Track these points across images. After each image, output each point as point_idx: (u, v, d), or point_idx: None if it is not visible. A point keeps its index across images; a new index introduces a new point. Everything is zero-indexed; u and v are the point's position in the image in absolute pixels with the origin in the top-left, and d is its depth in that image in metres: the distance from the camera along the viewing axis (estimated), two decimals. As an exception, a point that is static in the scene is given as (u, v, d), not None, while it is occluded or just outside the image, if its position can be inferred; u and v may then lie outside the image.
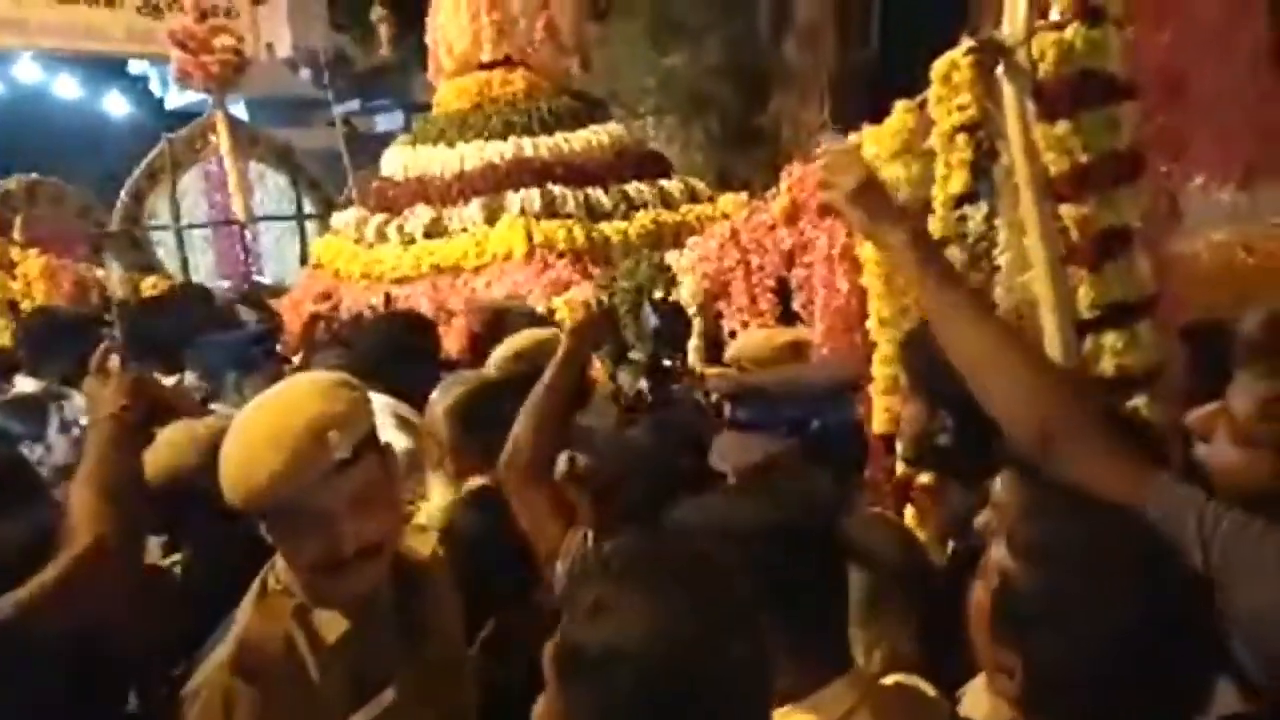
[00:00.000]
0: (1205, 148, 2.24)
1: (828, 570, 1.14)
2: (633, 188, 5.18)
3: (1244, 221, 2.46)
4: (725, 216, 5.25)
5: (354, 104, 14.40)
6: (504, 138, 5.24)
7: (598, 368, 3.49)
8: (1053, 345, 1.91)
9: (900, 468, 2.06)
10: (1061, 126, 1.84)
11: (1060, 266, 1.91)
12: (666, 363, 3.05)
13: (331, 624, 1.24)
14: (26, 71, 14.55)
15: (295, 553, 1.22)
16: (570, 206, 4.84)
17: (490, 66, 5.41)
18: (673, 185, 5.39)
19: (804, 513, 1.15)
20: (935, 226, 2.12)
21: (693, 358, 3.18)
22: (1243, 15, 2.30)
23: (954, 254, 2.08)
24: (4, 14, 9.25)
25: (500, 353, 2.64)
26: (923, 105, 2.17)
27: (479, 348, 3.64)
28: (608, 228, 4.86)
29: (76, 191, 7.80)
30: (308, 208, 8.65)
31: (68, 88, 16.27)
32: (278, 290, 6.32)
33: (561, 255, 4.58)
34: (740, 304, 2.84)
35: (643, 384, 3.06)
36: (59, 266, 5.33)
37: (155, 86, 13.81)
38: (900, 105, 2.21)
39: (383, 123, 15.06)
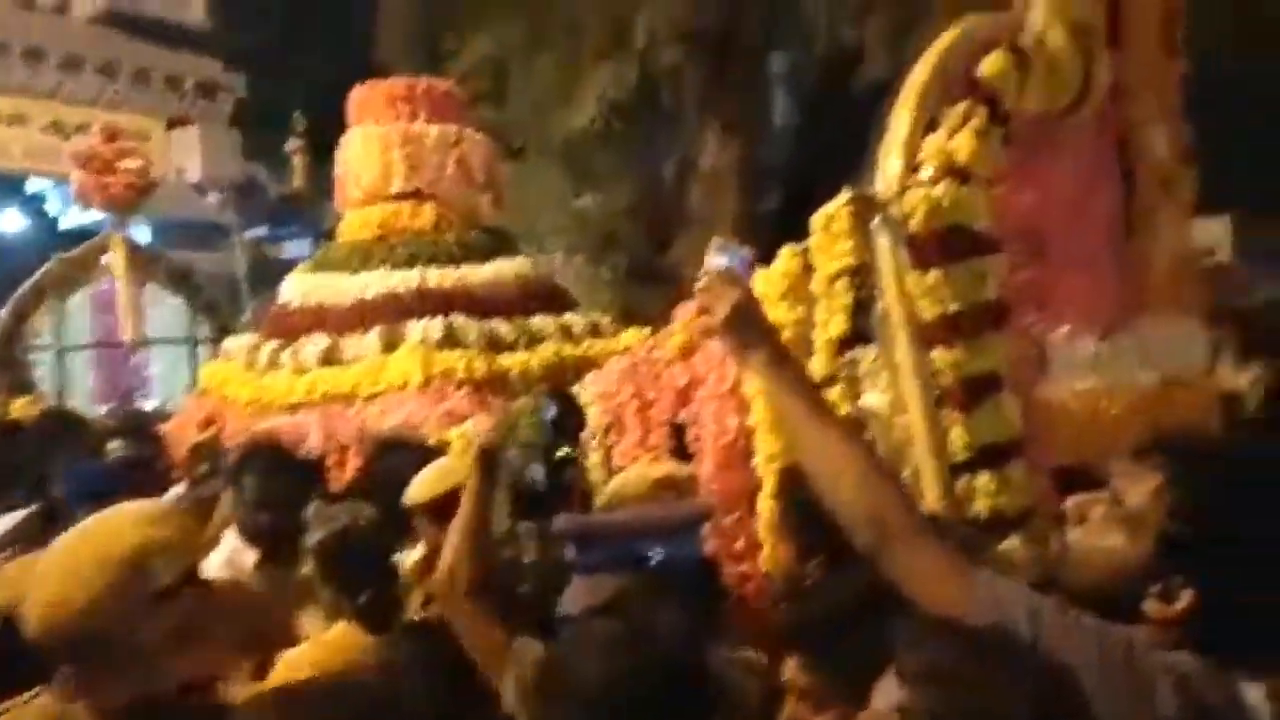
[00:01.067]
0: (1068, 301, 2.38)
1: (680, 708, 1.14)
2: (536, 321, 5.21)
3: (1107, 370, 2.59)
4: (627, 351, 5.32)
5: (262, 230, 14.36)
6: (409, 268, 5.24)
7: None
8: (929, 486, 1.95)
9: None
10: (932, 276, 1.94)
11: (934, 409, 1.97)
12: (563, 453, 3.01)
13: None
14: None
15: (106, 692, 1.13)
16: (471, 337, 4.83)
17: (399, 198, 5.46)
18: (575, 319, 5.43)
19: (644, 650, 1.16)
20: (818, 367, 2.18)
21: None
22: (1099, 182, 2.49)
23: (837, 394, 2.13)
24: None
25: (422, 480, 2.58)
26: (807, 251, 2.26)
27: (366, 479, 3.53)
28: (508, 360, 4.84)
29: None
30: (205, 333, 8.44)
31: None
32: (161, 416, 6.08)
33: (460, 386, 4.53)
34: (633, 439, 2.84)
35: (539, 474, 3.03)
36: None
37: (52, 205, 13.56)
38: (785, 250, 2.30)
39: (290, 250, 15.03)
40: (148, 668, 1.12)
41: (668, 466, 2.43)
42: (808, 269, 2.23)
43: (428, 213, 5.44)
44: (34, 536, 2.35)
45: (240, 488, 2.92)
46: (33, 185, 13.51)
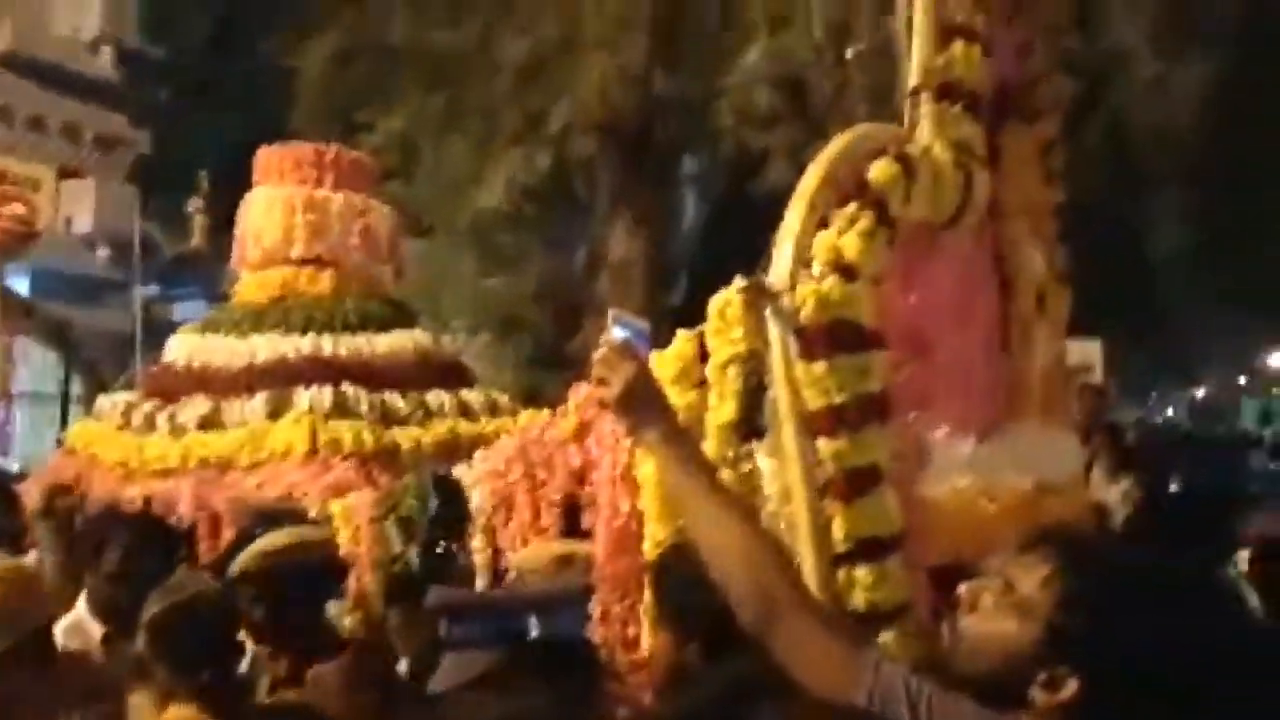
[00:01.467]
0: (948, 402, 2.46)
1: None
2: (433, 395, 5.12)
3: (984, 471, 2.67)
4: (519, 431, 5.26)
5: (154, 289, 13.87)
6: (302, 333, 5.12)
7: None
8: (810, 576, 1.96)
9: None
10: (819, 367, 1.98)
11: (818, 499, 1.99)
12: (441, 547, 2.92)
13: None
14: None
15: None
16: (363, 408, 4.71)
17: (300, 263, 5.36)
18: (473, 396, 5.37)
19: None
20: (710, 452, 2.19)
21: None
22: (978, 290, 2.61)
23: (728, 480, 2.14)
24: None
25: (254, 549, 2.46)
26: (702, 336, 2.29)
27: (232, 553, 3.37)
28: (400, 434, 4.73)
29: None
30: (79, 391, 8.03)
31: None
32: (21, 476, 5.72)
33: (347, 458, 4.40)
34: (523, 518, 2.78)
35: (414, 558, 2.92)
36: None
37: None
38: (680, 334, 2.33)
39: (182, 311, 14.53)
40: None
41: (569, 544, 2.40)
42: (702, 355, 2.26)
43: (327, 279, 5.35)
44: None
45: (98, 559, 2.75)
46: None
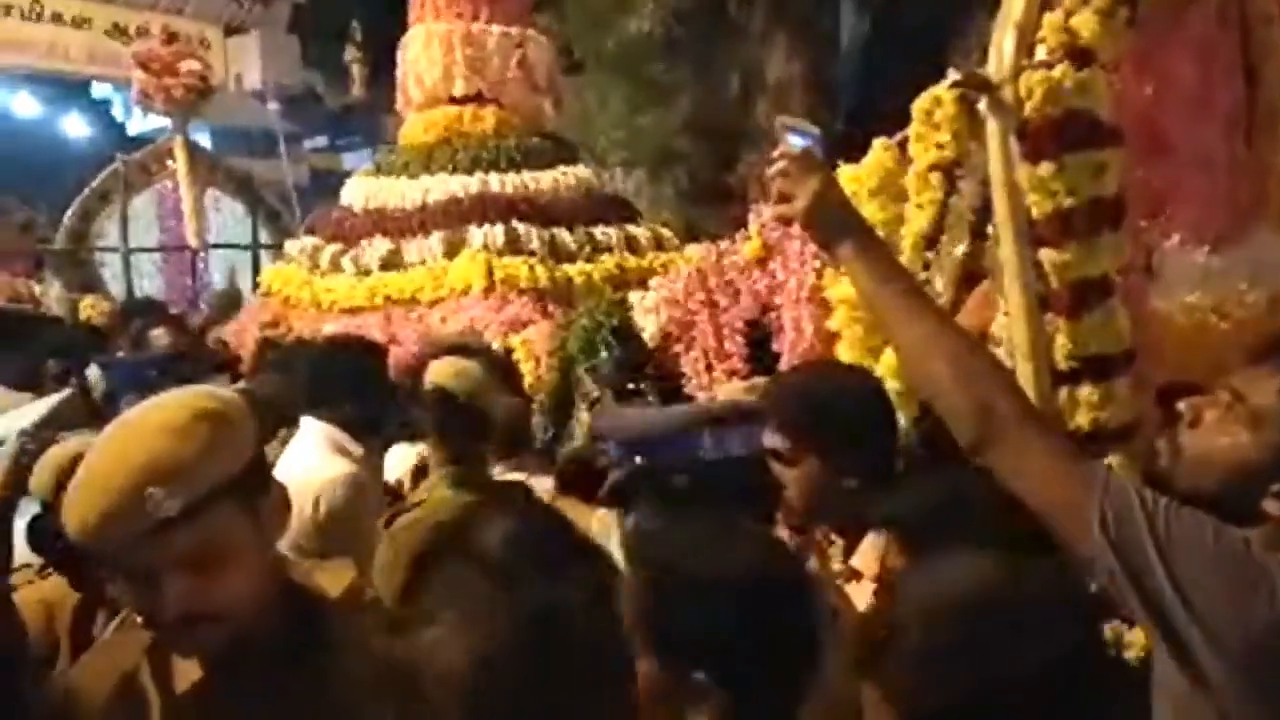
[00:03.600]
0: (1183, 207, 2.21)
1: None
2: (599, 230, 5.11)
3: (1216, 285, 2.43)
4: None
5: (322, 140, 14.33)
6: (470, 173, 5.15)
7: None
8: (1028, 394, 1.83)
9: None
10: (1045, 168, 1.78)
11: (1038, 314, 1.84)
12: (631, 387, 2.94)
13: (187, 670, 1.08)
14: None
15: (123, 601, 1.06)
16: (534, 244, 4.75)
17: (461, 101, 5.34)
18: (639, 231, 5.33)
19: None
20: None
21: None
22: (1221, 78, 2.28)
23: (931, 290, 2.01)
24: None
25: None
26: (902, 145, 2.11)
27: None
28: (571, 269, 4.76)
29: (17, 207, 7.56)
30: (265, 239, 8.47)
31: (28, 107, 15.99)
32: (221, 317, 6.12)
33: (522, 293, 4.47)
34: (705, 347, 2.74)
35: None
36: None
37: (118, 111, 13.63)
38: (878, 143, 2.16)
39: (350, 161, 15.00)
40: (149, 594, 1.01)
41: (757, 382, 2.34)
42: (902, 164, 2.09)
43: (489, 117, 5.32)
44: (75, 420, 2.33)
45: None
46: (98, 91, 13.59)
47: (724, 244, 2.77)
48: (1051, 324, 1.86)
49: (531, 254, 4.72)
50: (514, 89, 5.39)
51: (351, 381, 2.53)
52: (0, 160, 11.43)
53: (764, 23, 8.82)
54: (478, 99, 5.36)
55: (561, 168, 5.31)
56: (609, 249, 5.04)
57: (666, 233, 5.54)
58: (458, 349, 3.86)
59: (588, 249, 4.96)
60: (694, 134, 9.29)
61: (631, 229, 5.30)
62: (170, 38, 8.09)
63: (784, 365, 2.35)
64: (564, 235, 4.90)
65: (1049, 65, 1.79)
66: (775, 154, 1.44)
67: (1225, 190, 2.34)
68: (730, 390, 2.26)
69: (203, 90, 7.94)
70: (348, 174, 13.51)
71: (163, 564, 1.01)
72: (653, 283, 3.11)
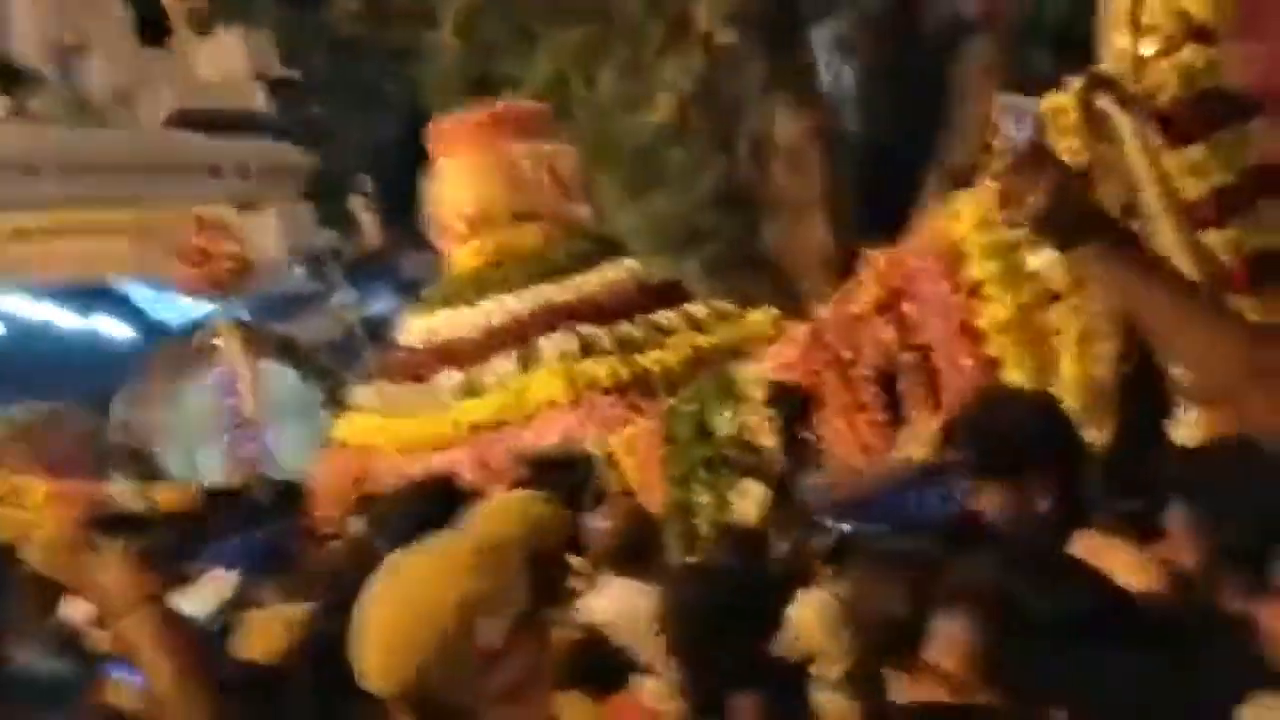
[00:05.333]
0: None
1: None
2: (660, 317, 5.11)
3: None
4: (763, 334, 5.18)
5: (351, 294, 14.62)
6: (524, 288, 5.20)
7: None
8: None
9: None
10: (1195, 151, 1.75)
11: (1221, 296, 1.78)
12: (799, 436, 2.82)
13: None
14: (15, 304, 14.72)
15: None
16: (606, 344, 4.74)
17: (505, 223, 5.42)
18: (698, 309, 5.33)
19: None
20: (1059, 281, 2.00)
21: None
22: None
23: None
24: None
25: None
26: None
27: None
28: (646, 360, 4.74)
29: (78, 414, 7.69)
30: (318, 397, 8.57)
31: (58, 315, 16.42)
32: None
33: (606, 393, 4.44)
34: (840, 402, 2.68)
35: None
36: (64, 490, 5.13)
37: (145, 303, 13.98)
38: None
39: (374, 307, 15.26)
40: None
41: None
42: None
43: (534, 231, 5.39)
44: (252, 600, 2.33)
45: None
46: (124, 288, 13.97)
47: (833, 300, 2.73)
48: (1232, 304, 1.79)
49: (606, 353, 4.71)
50: (551, 201, 5.47)
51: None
52: (43, 372, 11.68)
53: (763, 89, 8.98)
54: (519, 217, 5.45)
55: (609, 264, 5.35)
56: (676, 332, 5.04)
57: (725, 304, 5.54)
58: (555, 461, 3.83)
59: (656, 336, 4.96)
60: (714, 210, 9.39)
61: (690, 309, 5.30)
62: (201, 225, 8.34)
63: (946, 404, 2.28)
64: (630, 329, 4.91)
65: (1170, 50, 1.77)
66: (997, 144, 1.33)
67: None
68: (916, 441, 2.18)
69: (243, 269, 8.14)
70: (376, 321, 13.68)
71: (484, 697, 0.98)
72: (768, 353, 3.07)
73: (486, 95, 8.99)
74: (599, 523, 2.68)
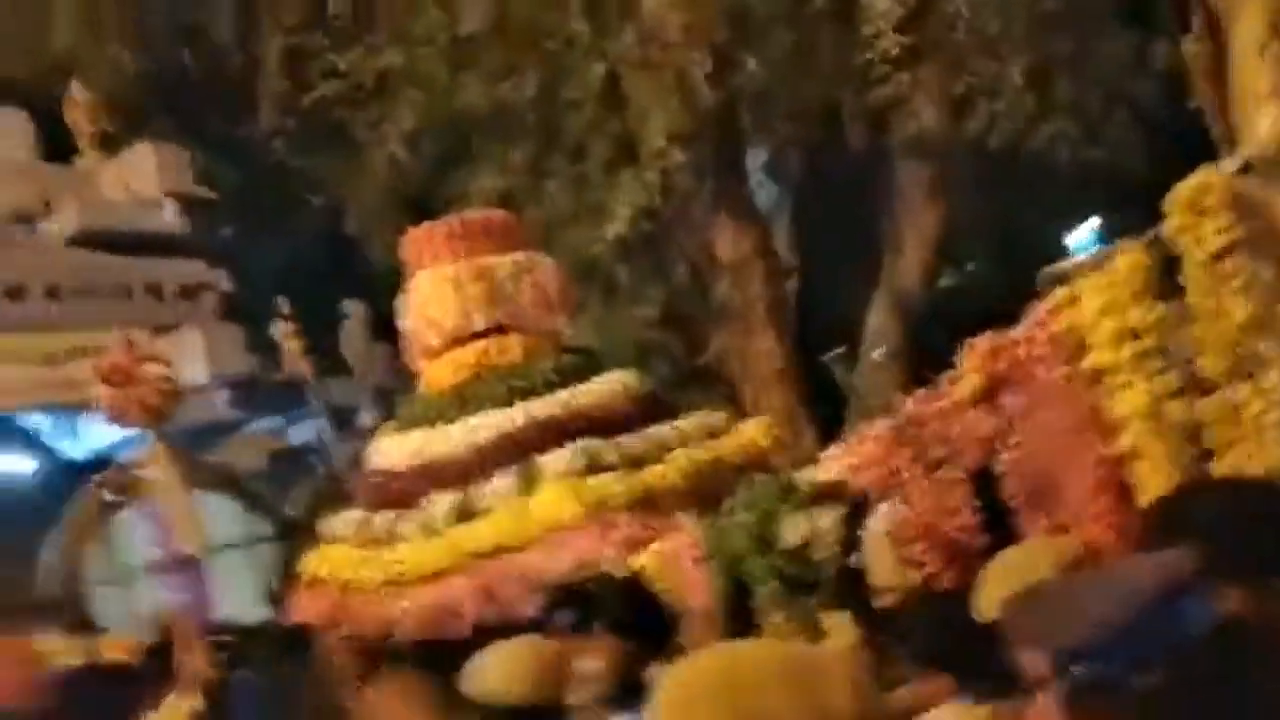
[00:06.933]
0: None
1: None
2: (654, 431, 4.96)
3: None
4: (759, 444, 5.07)
5: (276, 420, 13.98)
6: (509, 404, 4.98)
7: None
8: None
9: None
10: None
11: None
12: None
13: None
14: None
15: None
16: (612, 458, 4.54)
17: (483, 335, 5.24)
18: (688, 423, 5.20)
19: None
20: (1212, 365, 1.95)
21: None
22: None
23: (1248, 391, 1.89)
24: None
25: None
26: (1153, 243, 2.06)
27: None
28: (651, 475, 4.56)
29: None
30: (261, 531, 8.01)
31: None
32: (244, 626, 5.62)
33: (616, 510, 4.22)
34: (925, 505, 2.55)
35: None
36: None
37: (50, 438, 13.07)
38: (1124, 248, 2.10)
39: (295, 435, 14.65)
40: None
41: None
42: (1161, 261, 2.02)
43: (516, 344, 5.22)
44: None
45: None
46: (25, 421, 13.05)
47: (921, 394, 2.64)
48: None
49: (612, 469, 4.51)
50: (532, 313, 5.33)
51: None
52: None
53: (705, 212, 9.16)
54: (499, 330, 5.27)
55: (598, 378, 5.20)
56: (672, 447, 4.88)
57: (713, 417, 5.42)
58: (579, 589, 3.57)
59: (655, 450, 4.79)
60: (664, 325, 9.41)
61: (682, 423, 5.17)
62: (129, 346, 7.82)
63: (1068, 510, 2.17)
64: (632, 442, 4.73)
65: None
66: None
67: None
68: (1048, 550, 2.03)
69: (174, 393, 7.63)
70: (295, 450, 13.10)
71: None
72: (828, 453, 2.94)
73: (422, 216, 8.92)
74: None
